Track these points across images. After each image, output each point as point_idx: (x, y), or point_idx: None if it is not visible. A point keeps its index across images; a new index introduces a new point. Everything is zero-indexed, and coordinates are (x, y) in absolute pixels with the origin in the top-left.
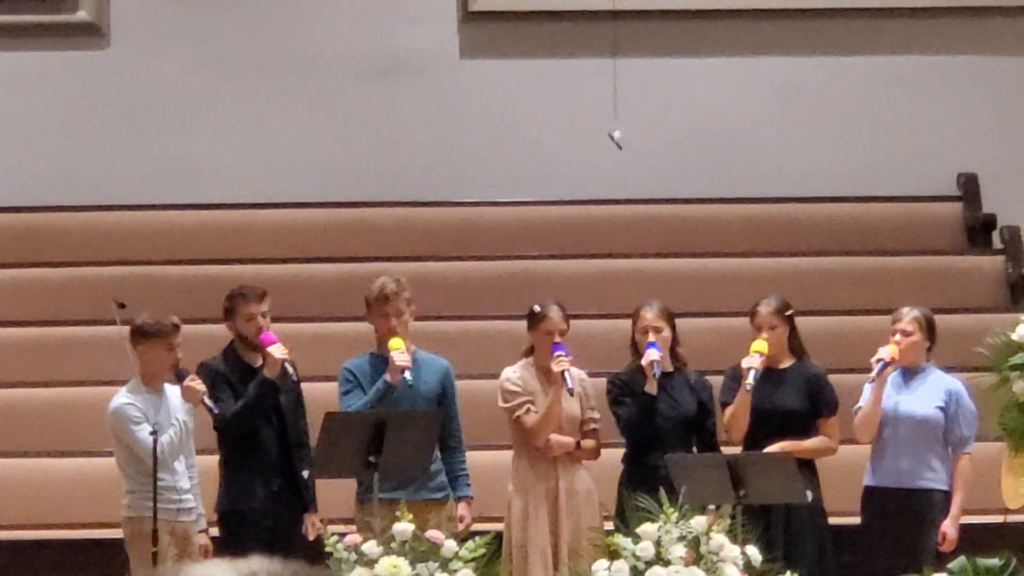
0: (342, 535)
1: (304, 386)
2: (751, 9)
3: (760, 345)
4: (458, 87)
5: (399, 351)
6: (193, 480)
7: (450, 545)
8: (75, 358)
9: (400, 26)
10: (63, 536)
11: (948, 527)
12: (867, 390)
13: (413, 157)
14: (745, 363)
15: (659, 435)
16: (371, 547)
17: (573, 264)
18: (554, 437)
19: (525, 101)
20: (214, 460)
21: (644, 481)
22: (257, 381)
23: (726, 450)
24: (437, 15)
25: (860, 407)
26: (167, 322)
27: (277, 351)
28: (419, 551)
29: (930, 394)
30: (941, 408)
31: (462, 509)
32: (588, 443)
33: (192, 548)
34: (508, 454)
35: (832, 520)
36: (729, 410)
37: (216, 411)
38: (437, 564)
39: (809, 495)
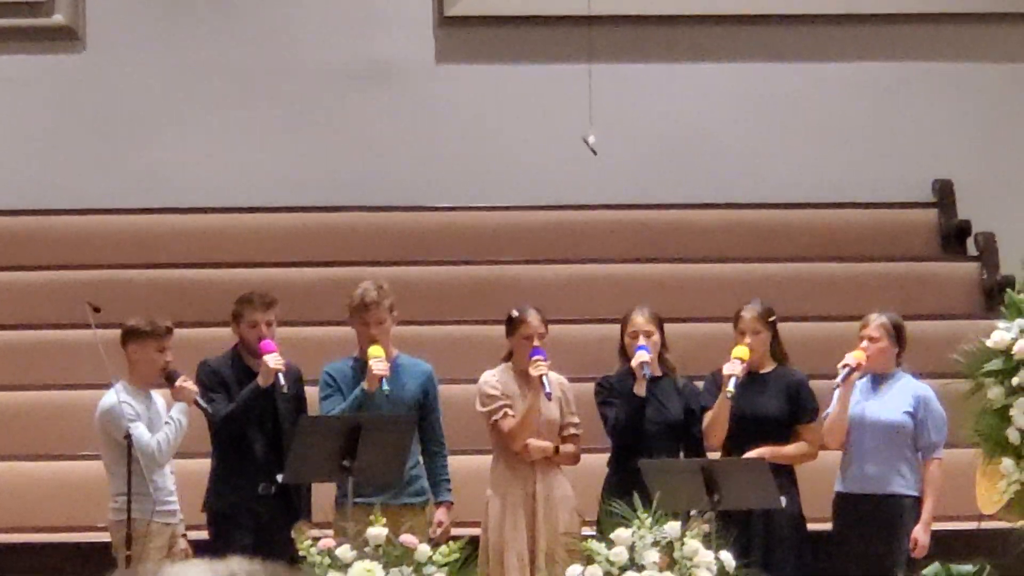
0: (317, 539)
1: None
2: (727, 15)
3: (742, 351)
4: (434, 92)
5: (377, 359)
6: (173, 484)
7: (423, 549)
8: (49, 361)
9: (376, 32)
10: (38, 540)
11: (919, 533)
12: (836, 396)
13: (390, 162)
14: (726, 369)
15: (645, 439)
16: (345, 551)
17: (550, 269)
18: (532, 442)
19: (501, 106)
20: (198, 462)
21: (628, 485)
22: (250, 387)
23: (708, 454)
24: (413, 21)
25: (827, 413)
26: (160, 324)
27: (271, 360)
28: (393, 555)
29: (898, 400)
30: (909, 414)
31: (440, 514)
32: (567, 448)
33: (175, 551)
34: (487, 458)
35: (810, 526)
36: (708, 416)
37: (210, 411)
38: (411, 569)
39: (783, 501)
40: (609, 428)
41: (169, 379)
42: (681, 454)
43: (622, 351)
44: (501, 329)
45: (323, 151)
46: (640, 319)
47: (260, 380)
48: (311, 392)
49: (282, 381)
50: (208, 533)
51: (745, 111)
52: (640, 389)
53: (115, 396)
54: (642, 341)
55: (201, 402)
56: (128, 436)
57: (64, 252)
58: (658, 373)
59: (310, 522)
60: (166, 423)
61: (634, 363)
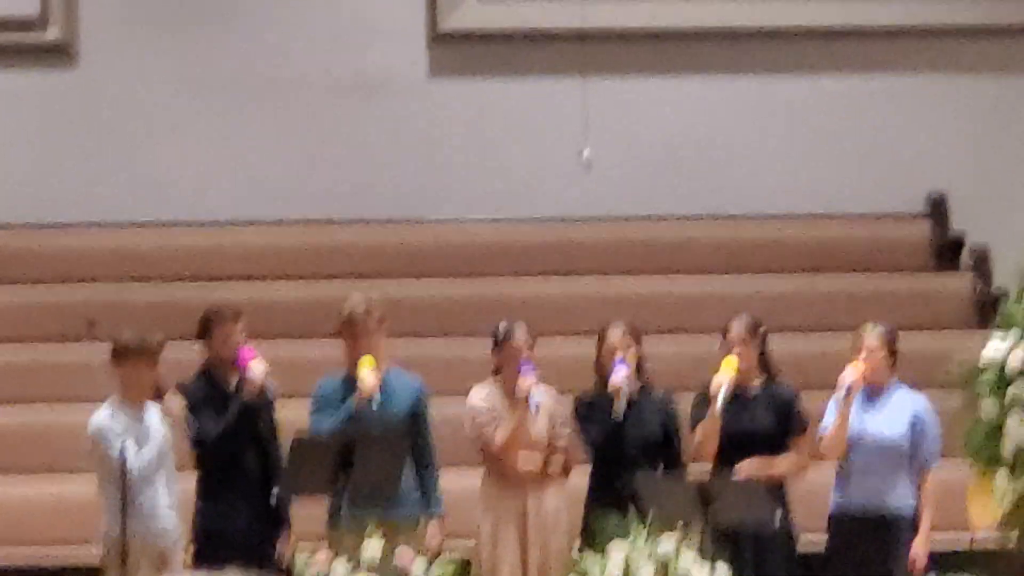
0: (311, 555)
1: (276, 405)
2: (720, 29)
3: (730, 364)
4: (427, 107)
5: (367, 373)
6: (173, 498)
7: (419, 565)
8: (46, 377)
9: (370, 45)
10: (35, 555)
11: (919, 546)
12: (830, 411)
13: (383, 176)
14: (715, 383)
15: (625, 457)
16: (340, 567)
17: (541, 283)
18: (521, 456)
19: (494, 121)
20: (187, 479)
21: (610, 501)
22: (236, 403)
23: (695, 468)
24: (406, 35)
25: (825, 427)
26: (152, 339)
27: (257, 367)
28: (387, 571)
29: (896, 415)
30: (907, 429)
31: (433, 529)
32: (556, 462)
33: (170, 569)
34: (478, 474)
35: (803, 542)
36: (699, 431)
37: (197, 427)
38: None
39: (778, 520)
40: (588, 449)
41: (159, 394)
42: (661, 469)
43: (598, 367)
44: (490, 343)
45: (316, 165)
46: (615, 337)
47: (247, 391)
48: (302, 407)
49: (270, 387)
50: (197, 554)
51: (739, 124)
52: (618, 411)
53: (104, 413)
54: (619, 355)
55: (188, 416)
56: (123, 452)
57: (60, 267)
58: (636, 388)
59: (292, 535)
60: (151, 439)
61: (611, 387)
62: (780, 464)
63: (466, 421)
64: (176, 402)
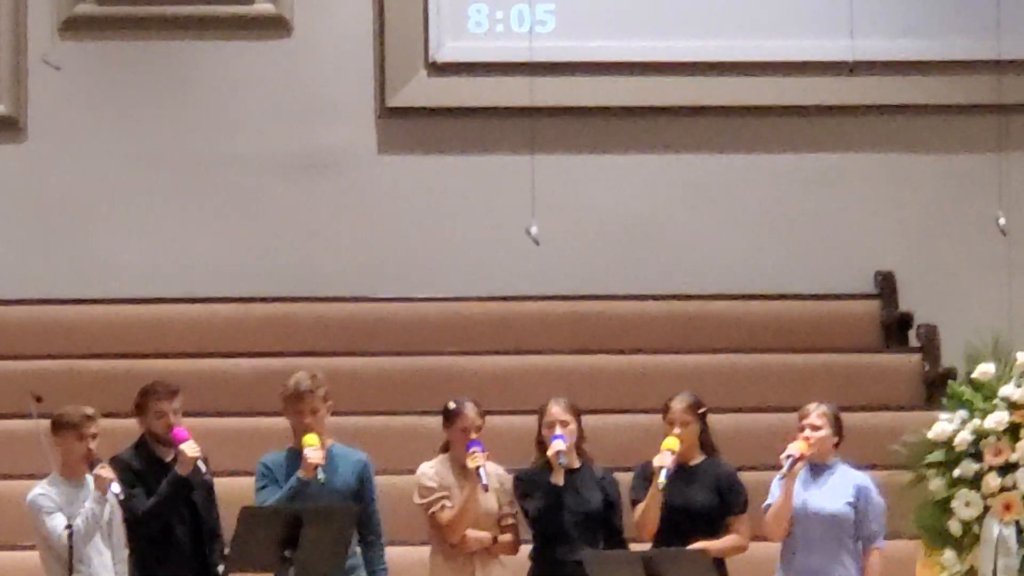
0: None
1: (220, 481)
2: (668, 106)
3: (671, 443)
4: (376, 182)
5: (312, 448)
6: (121, 575)
7: None
8: None
9: (318, 122)
10: None
11: None
12: (775, 487)
13: (330, 252)
14: (656, 461)
15: (566, 530)
16: None
17: (490, 360)
18: (471, 532)
19: (443, 196)
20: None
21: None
22: (169, 479)
23: (635, 546)
24: (355, 111)
25: (769, 504)
26: (78, 412)
27: (189, 449)
28: None
29: (839, 490)
30: (850, 504)
31: None
32: (505, 538)
33: None
34: (425, 550)
35: None
36: (640, 507)
37: (122, 497)
38: None
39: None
40: (529, 521)
41: (89, 467)
42: (601, 544)
43: (539, 443)
44: (439, 420)
45: (264, 241)
46: (556, 409)
47: (179, 470)
48: (247, 482)
49: (203, 468)
50: None
51: (687, 202)
52: (558, 478)
53: (40, 487)
54: (558, 430)
55: (115, 489)
56: (69, 527)
57: (5, 342)
58: (576, 464)
59: None
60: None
61: (550, 453)
62: (720, 546)
63: (415, 490)
64: (106, 472)
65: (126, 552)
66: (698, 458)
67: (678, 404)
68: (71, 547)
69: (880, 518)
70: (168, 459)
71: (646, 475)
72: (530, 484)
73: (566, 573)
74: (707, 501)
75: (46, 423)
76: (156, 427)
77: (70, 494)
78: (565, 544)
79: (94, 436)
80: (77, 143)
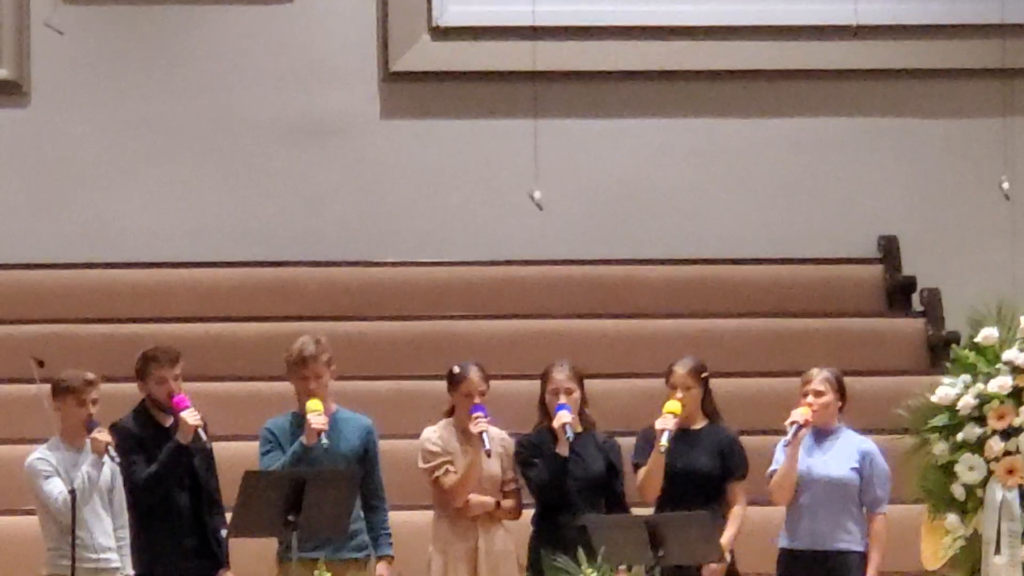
0: None
1: (223, 445)
2: (671, 71)
3: (673, 406)
4: (379, 147)
5: (315, 413)
6: (121, 540)
7: None
8: None
9: (321, 87)
10: None
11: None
12: (779, 452)
13: (334, 217)
14: (658, 425)
15: (569, 496)
16: None
17: (493, 324)
18: (473, 497)
19: (446, 161)
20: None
21: (556, 542)
22: (170, 445)
23: (636, 510)
24: (358, 75)
25: (774, 470)
26: (79, 377)
27: (190, 417)
28: None
29: (843, 455)
30: (855, 469)
31: (382, 568)
32: (508, 503)
33: None
34: (429, 514)
35: None
36: (643, 471)
37: (118, 461)
38: None
39: (728, 556)
40: (533, 488)
41: (87, 431)
42: (603, 509)
43: (542, 406)
44: (443, 385)
45: (267, 205)
46: (560, 376)
47: (180, 438)
48: (251, 446)
49: (203, 436)
50: None
51: (691, 167)
52: (563, 449)
53: (39, 451)
54: (562, 399)
55: (113, 453)
56: (72, 492)
57: (8, 306)
58: (578, 429)
59: (229, 571)
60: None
61: (556, 424)
62: (731, 533)
63: (419, 454)
64: (103, 435)
65: (127, 518)
66: (700, 423)
67: (680, 368)
68: (73, 512)
69: (885, 484)
70: (168, 425)
71: (648, 439)
72: (533, 451)
73: (569, 539)
74: (709, 465)
75: (48, 387)
76: (157, 393)
77: (69, 459)
78: (568, 511)
79: (94, 402)
80: (80, 107)
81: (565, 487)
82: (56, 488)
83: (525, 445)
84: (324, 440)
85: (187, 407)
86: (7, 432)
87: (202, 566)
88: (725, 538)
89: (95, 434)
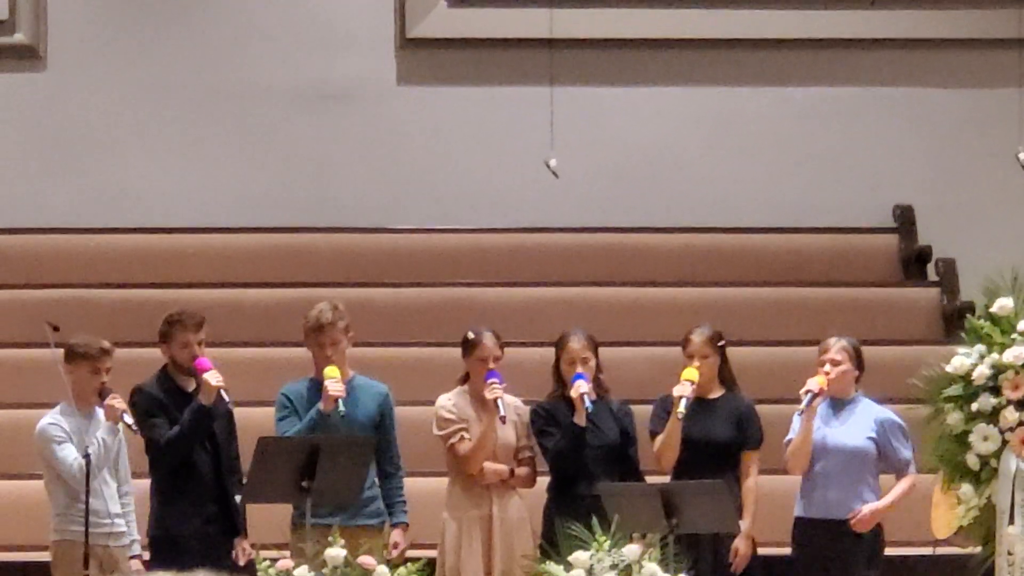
0: (274, 560)
1: (239, 411)
2: (688, 39)
3: (691, 373)
4: (395, 114)
5: (333, 380)
6: (127, 506)
7: (381, 571)
8: (8, 380)
9: (337, 53)
10: None
11: (867, 510)
12: (796, 422)
13: (349, 184)
14: (676, 391)
15: (585, 465)
16: (303, 572)
17: (508, 292)
18: (488, 465)
19: (462, 128)
20: (145, 484)
21: (571, 510)
22: (192, 408)
23: (650, 478)
24: (375, 42)
25: (790, 439)
26: (95, 345)
27: (213, 379)
28: None
29: (860, 425)
30: (871, 439)
31: (396, 535)
32: (522, 471)
33: (121, 572)
34: (443, 481)
35: (762, 551)
36: (660, 439)
37: (135, 428)
38: None
39: (742, 524)
40: (549, 457)
41: (100, 397)
42: (617, 477)
43: (556, 374)
44: (458, 351)
45: (284, 172)
46: (576, 344)
47: (202, 399)
48: (267, 412)
49: (226, 398)
50: (152, 558)
51: (706, 135)
52: (580, 419)
53: (50, 417)
54: (579, 368)
55: (128, 420)
56: (87, 456)
57: (24, 271)
58: (593, 397)
59: (246, 539)
60: (91, 444)
61: (574, 394)
62: (752, 504)
63: (434, 421)
64: (117, 402)
65: (131, 485)
66: (717, 391)
67: (697, 337)
68: (87, 477)
69: (908, 446)
70: (190, 389)
71: (666, 407)
72: (549, 420)
73: (585, 507)
74: (726, 435)
75: (61, 352)
76: (180, 357)
77: (80, 424)
78: (584, 479)
79: (108, 370)
80: (96, 72)
81: (582, 456)
82: (71, 454)
83: (541, 414)
84: (342, 407)
85: (209, 369)
86: (22, 396)
87: (221, 531)
88: (745, 525)
89: (110, 401)
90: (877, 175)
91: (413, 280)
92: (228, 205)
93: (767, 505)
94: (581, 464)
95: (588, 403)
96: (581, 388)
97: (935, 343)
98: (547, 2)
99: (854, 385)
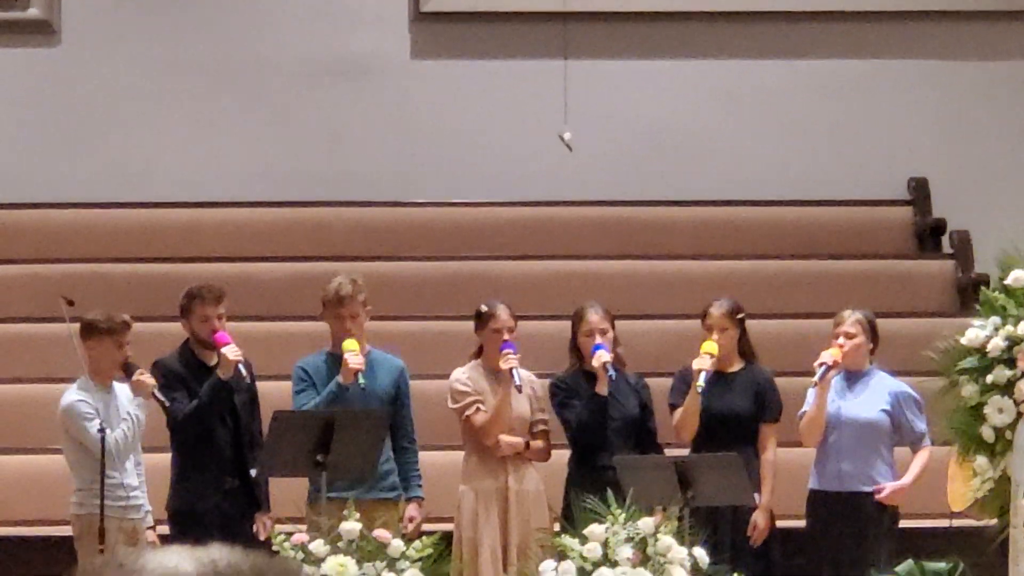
0: (289, 534)
1: (257, 385)
2: (701, 12)
3: (710, 346)
4: (409, 88)
5: (352, 353)
6: (141, 477)
7: (397, 544)
8: (24, 355)
9: (351, 27)
10: (11, 533)
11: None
12: (811, 394)
13: (364, 158)
14: (695, 365)
15: (606, 437)
16: (318, 546)
17: (523, 265)
18: (504, 437)
19: (476, 102)
20: (163, 458)
21: (591, 483)
22: (211, 382)
23: (669, 451)
24: (388, 16)
25: (805, 411)
26: (117, 319)
27: (231, 352)
28: (366, 550)
29: (874, 397)
30: (886, 411)
31: (412, 510)
32: (537, 444)
33: (141, 545)
34: (459, 454)
35: (780, 523)
36: (679, 412)
37: (167, 404)
38: (384, 563)
39: (758, 497)
40: (573, 428)
41: (127, 372)
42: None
43: (574, 349)
44: (471, 325)
45: (298, 146)
46: (595, 317)
47: (220, 373)
48: (284, 386)
49: (244, 372)
50: (172, 531)
51: (720, 108)
52: (602, 388)
53: (75, 392)
54: (599, 339)
55: (159, 395)
56: (103, 430)
57: (39, 246)
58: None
59: (270, 514)
60: (123, 419)
61: (596, 363)
62: (770, 479)
63: (449, 395)
64: (147, 377)
65: (143, 457)
66: (737, 365)
67: (717, 310)
68: (120, 452)
69: (923, 419)
70: (211, 363)
71: (686, 380)
72: (569, 392)
73: (605, 479)
74: (746, 408)
75: (77, 327)
76: (200, 331)
77: (100, 399)
78: (605, 451)
79: (128, 344)
80: (111, 47)
81: (605, 428)
82: (106, 430)
83: (561, 387)
84: (362, 380)
85: (228, 343)
86: (38, 371)
87: (242, 506)
88: (764, 498)
89: (138, 376)
90: (892, 148)
91: (428, 254)
92: (243, 179)
93: (784, 477)
94: (603, 436)
95: (611, 371)
96: (603, 357)
97: (950, 315)
98: None
99: (869, 358)
